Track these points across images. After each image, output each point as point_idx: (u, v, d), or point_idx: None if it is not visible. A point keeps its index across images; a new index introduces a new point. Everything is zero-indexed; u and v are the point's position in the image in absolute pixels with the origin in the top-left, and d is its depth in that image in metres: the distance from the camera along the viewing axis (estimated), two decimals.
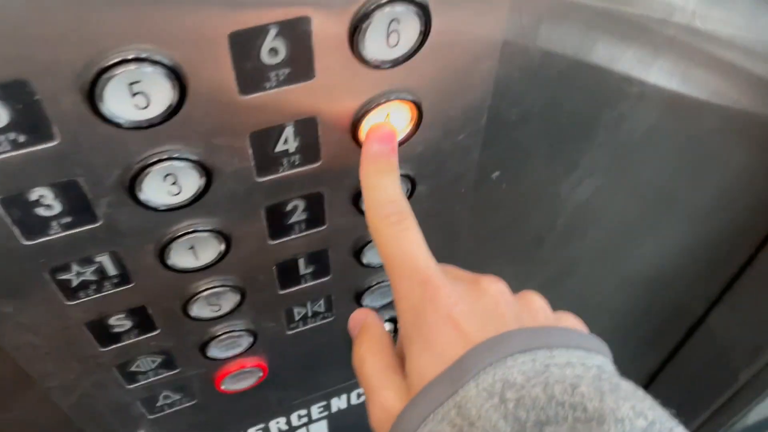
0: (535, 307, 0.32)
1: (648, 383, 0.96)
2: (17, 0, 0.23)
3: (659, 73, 0.42)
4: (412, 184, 0.40)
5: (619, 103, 0.43)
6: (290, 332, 0.49)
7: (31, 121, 0.27)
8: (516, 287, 0.59)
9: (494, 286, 0.32)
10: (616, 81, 0.41)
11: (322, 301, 0.48)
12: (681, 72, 0.42)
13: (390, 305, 0.51)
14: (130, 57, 0.26)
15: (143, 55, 0.26)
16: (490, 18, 0.32)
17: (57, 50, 0.25)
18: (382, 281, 0.48)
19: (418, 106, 0.35)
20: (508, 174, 0.45)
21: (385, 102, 0.34)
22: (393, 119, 0.35)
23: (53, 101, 0.27)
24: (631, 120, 0.45)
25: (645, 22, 0.38)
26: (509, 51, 0.35)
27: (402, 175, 0.39)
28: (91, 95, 0.27)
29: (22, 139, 0.27)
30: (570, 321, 0.33)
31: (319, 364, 0.56)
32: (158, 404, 0.50)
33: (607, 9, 0.36)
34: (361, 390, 0.62)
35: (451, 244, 0.48)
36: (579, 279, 0.62)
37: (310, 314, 0.48)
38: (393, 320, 0.53)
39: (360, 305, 0.49)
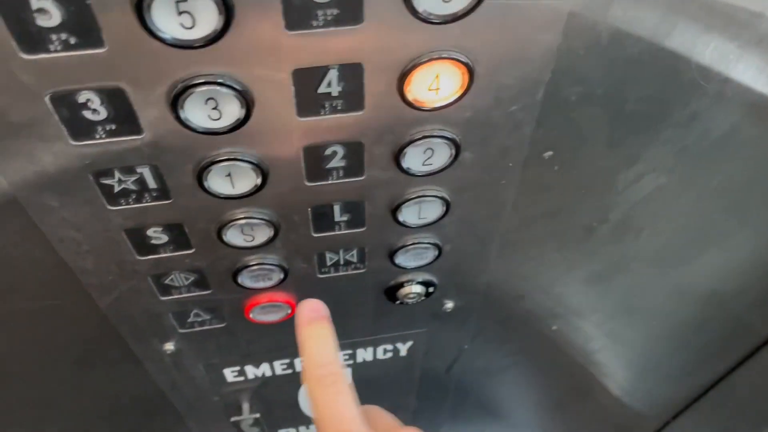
0: None
1: (694, 401, 0.91)
2: None
3: (745, 72, 0.38)
4: (456, 148, 0.39)
5: (693, 99, 0.40)
6: (321, 276, 0.50)
7: (82, 25, 0.28)
8: (561, 276, 0.58)
9: None
10: (693, 74, 0.38)
11: (354, 252, 0.48)
12: None
13: (423, 267, 0.51)
14: None
15: None
16: None
17: None
18: (419, 242, 0.48)
19: (470, 70, 0.34)
20: (562, 156, 0.43)
21: (436, 59, 0.33)
22: (443, 80, 0.34)
23: (103, 7, 0.27)
24: (706, 120, 0.42)
25: (736, 13, 0.35)
26: (576, 24, 0.33)
27: (447, 138, 0.38)
28: (139, 6, 0.27)
29: (73, 41, 0.29)
30: None
31: (348, 313, 0.57)
32: (189, 320, 0.52)
33: None
34: (387, 346, 0.62)
35: (494, 218, 0.47)
36: (628, 279, 0.60)
37: (342, 262, 0.49)
38: (425, 283, 0.53)
39: (394, 263, 0.49)
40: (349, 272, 0.50)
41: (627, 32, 0.35)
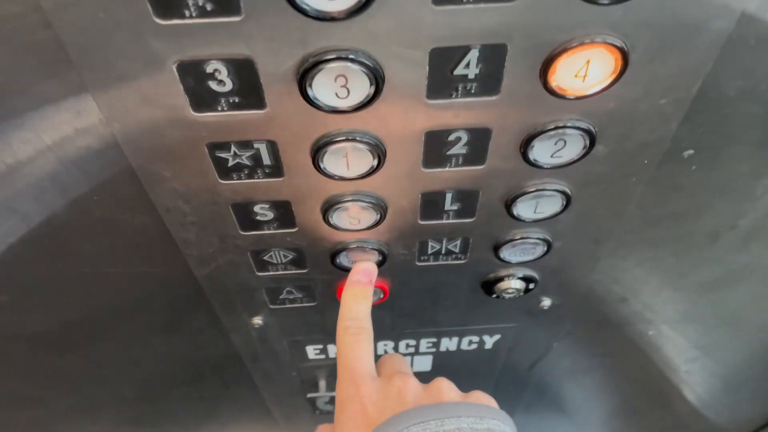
0: (441, 388, 0.38)
1: None
2: None
3: None
4: (590, 141, 0.35)
5: None
6: (419, 263, 0.48)
7: None
8: (674, 281, 0.54)
9: (401, 380, 0.38)
10: None
11: (458, 242, 0.45)
12: None
13: (525, 263, 0.48)
14: None
15: None
16: None
17: None
18: (527, 237, 0.45)
19: (625, 56, 0.30)
20: (703, 155, 0.39)
21: (589, 43, 0.30)
22: (593, 66, 0.31)
23: None
24: None
25: None
26: (749, 15, 0.29)
27: (583, 129, 0.35)
28: None
29: (210, 6, 0.27)
30: (476, 397, 0.38)
31: (439, 301, 0.54)
32: (281, 297, 0.51)
33: None
34: (472, 338, 0.60)
35: (615, 217, 0.43)
36: (743, 292, 0.55)
37: (443, 251, 0.46)
38: (525, 279, 0.50)
39: (497, 256, 0.47)
40: (449, 262, 0.48)
41: None
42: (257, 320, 0.55)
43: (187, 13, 0.27)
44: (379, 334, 0.60)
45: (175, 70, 0.30)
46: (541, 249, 0.46)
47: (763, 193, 0.43)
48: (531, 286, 0.51)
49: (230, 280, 0.48)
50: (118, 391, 0.68)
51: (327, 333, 0.59)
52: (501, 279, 0.50)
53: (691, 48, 0.31)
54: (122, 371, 0.64)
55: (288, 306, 0.53)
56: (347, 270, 0.47)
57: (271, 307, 0.53)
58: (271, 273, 0.48)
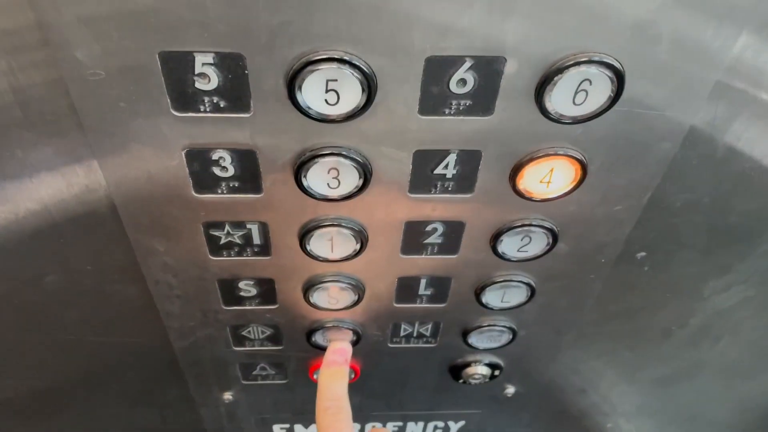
0: None
1: None
2: None
3: None
4: (553, 239, 0.39)
5: None
6: (391, 345, 0.50)
7: (236, 91, 0.30)
8: (630, 374, 0.57)
9: None
10: None
11: (430, 326, 0.48)
12: None
13: (492, 350, 0.51)
14: (335, 56, 0.28)
15: (346, 57, 0.28)
16: (687, 100, 0.31)
17: (276, 38, 0.28)
18: (495, 324, 0.48)
19: (584, 167, 0.34)
20: (655, 257, 0.43)
21: (553, 155, 0.34)
22: (556, 174, 0.35)
23: (258, 79, 0.29)
24: None
25: None
26: (693, 136, 0.34)
27: (546, 228, 0.38)
28: (292, 82, 0.29)
29: (223, 104, 0.30)
30: None
31: (408, 384, 0.56)
32: (253, 373, 0.53)
33: None
34: (438, 423, 0.61)
35: (576, 309, 0.47)
36: (694, 387, 0.58)
37: (415, 334, 0.49)
38: (491, 365, 0.53)
39: (466, 341, 0.49)
40: (420, 345, 0.50)
41: (741, 151, 0.35)
42: (228, 395, 0.55)
43: (202, 108, 0.30)
44: None
45: (183, 155, 0.33)
46: (507, 336, 0.49)
47: (710, 295, 0.47)
48: (496, 372, 0.53)
49: (207, 354, 0.50)
50: None
51: (295, 412, 0.60)
52: (468, 364, 0.52)
53: (641, 163, 0.35)
54: None
55: (260, 382, 0.54)
56: (322, 348, 0.49)
57: (244, 382, 0.54)
58: (248, 348, 0.49)
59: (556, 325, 0.48)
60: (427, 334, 0.49)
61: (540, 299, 0.45)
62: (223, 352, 0.50)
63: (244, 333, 0.48)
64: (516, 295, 0.44)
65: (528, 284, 0.43)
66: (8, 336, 0.46)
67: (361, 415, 0.61)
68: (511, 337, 0.49)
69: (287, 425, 0.62)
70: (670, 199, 0.38)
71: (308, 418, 0.61)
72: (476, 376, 0.53)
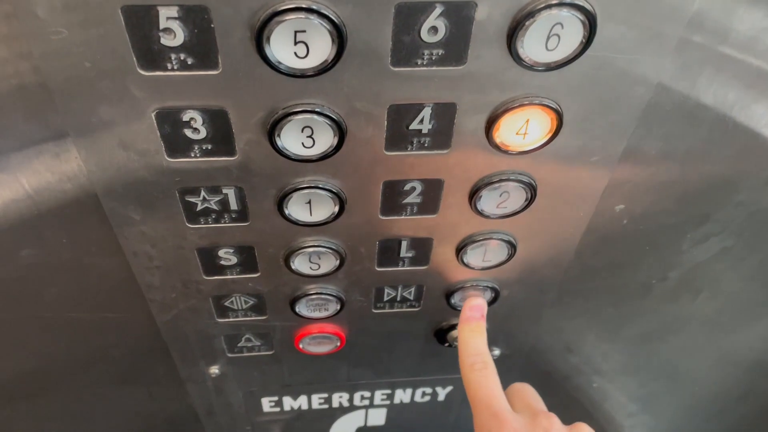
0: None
1: None
2: None
3: None
4: (531, 193, 0.39)
5: None
6: (375, 311, 0.50)
7: (202, 47, 0.29)
8: (614, 332, 0.57)
9: (547, 421, 0.41)
10: None
11: (413, 289, 0.48)
12: None
13: None
14: (302, 5, 0.28)
15: (314, 6, 0.28)
16: (659, 42, 0.31)
17: None
18: (477, 285, 0.48)
19: (560, 117, 0.34)
20: (633, 210, 0.43)
21: (528, 105, 0.34)
22: (532, 125, 0.35)
23: (225, 32, 0.29)
24: None
25: None
26: (666, 82, 0.34)
27: (524, 183, 0.38)
28: (260, 35, 0.28)
29: (190, 61, 0.30)
30: None
31: (394, 351, 0.56)
32: (239, 344, 0.52)
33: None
34: (426, 389, 0.62)
35: (556, 266, 0.47)
36: (677, 342, 0.59)
37: (398, 298, 0.49)
38: None
39: (449, 303, 0.49)
40: (404, 309, 0.50)
41: (708, 104, 0.35)
42: (214, 369, 0.55)
43: (169, 66, 0.30)
44: (333, 385, 0.61)
45: (153, 117, 0.32)
46: (489, 296, 0.49)
47: (688, 247, 0.47)
48: None
49: (190, 327, 0.49)
50: None
51: (282, 384, 0.60)
52: (453, 327, 0.53)
53: (616, 110, 0.35)
54: (71, 428, 0.63)
55: (246, 354, 0.54)
56: (305, 318, 0.49)
57: (229, 355, 0.54)
58: (231, 319, 0.49)
59: (538, 283, 0.48)
60: (411, 297, 0.49)
61: (521, 257, 0.45)
62: (207, 324, 0.49)
63: (227, 303, 0.47)
64: (497, 254, 0.45)
65: (508, 242, 0.43)
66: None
67: (347, 384, 0.61)
68: (493, 296, 0.49)
69: (276, 398, 0.62)
70: (645, 149, 0.38)
71: (296, 390, 0.61)
72: None
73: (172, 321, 0.48)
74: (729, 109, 0.36)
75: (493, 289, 0.48)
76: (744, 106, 0.36)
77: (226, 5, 0.28)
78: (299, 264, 0.43)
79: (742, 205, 0.43)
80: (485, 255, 0.45)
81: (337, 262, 0.43)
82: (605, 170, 0.39)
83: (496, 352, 0.57)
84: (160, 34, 0.29)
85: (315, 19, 0.28)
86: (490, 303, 0.50)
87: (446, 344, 0.54)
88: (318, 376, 0.59)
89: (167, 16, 0.28)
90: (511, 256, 0.45)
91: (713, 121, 0.37)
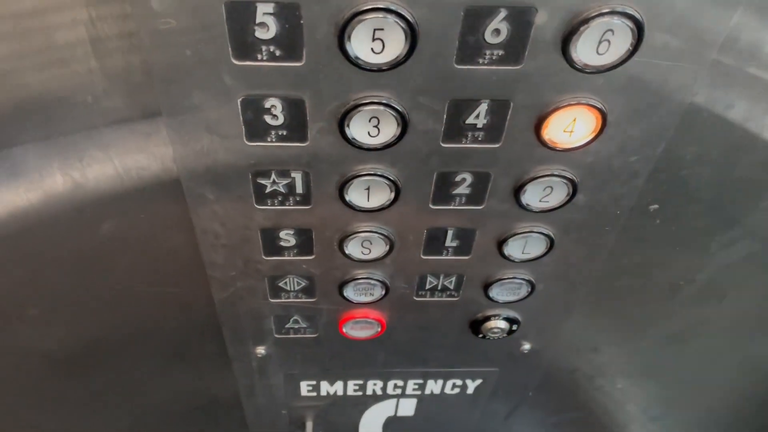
0: None
1: None
2: None
3: None
4: (573, 189, 0.42)
5: None
6: (417, 298, 0.53)
7: (290, 40, 0.33)
8: (640, 333, 0.60)
9: None
10: None
11: (454, 278, 0.51)
12: None
13: (512, 304, 0.54)
14: (382, 6, 0.31)
15: (392, 7, 0.31)
16: (699, 52, 0.34)
17: None
18: (515, 277, 0.51)
19: (605, 117, 0.38)
20: (665, 211, 0.46)
21: (576, 104, 0.37)
22: (578, 123, 0.38)
23: (312, 28, 0.32)
24: None
25: None
26: (701, 94, 0.37)
27: (567, 179, 0.41)
28: (343, 31, 0.32)
29: (279, 53, 0.33)
30: None
31: (430, 340, 0.59)
32: (286, 326, 0.56)
33: None
34: (456, 381, 0.65)
35: (591, 262, 0.50)
36: (702, 344, 0.61)
37: (439, 287, 0.52)
38: (510, 320, 0.56)
39: (486, 295, 0.52)
40: (443, 298, 0.53)
41: (746, 106, 0.38)
42: (260, 349, 0.59)
43: (259, 57, 0.34)
44: (370, 372, 0.64)
45: (239, 103, 0.36)
46: (526, 290, 0.52)
47: (717, 249, 0.50)
48: (514, 327, 0.57)
49: (245, 305, 0.53)
50: (112, 423, 0.69)
51: (322, 368, 0.63)
52: (488, 318, 0.56)
53: (656, 114, 0.38)
54: (120, 400, 0.67)
55: (291, 336, 0.57)
56: (351, 302, 0.53)
57: (276, 336, 0.57)
58: (283, 300, 0.52)
59: (572, 278, 0.51)
60: (451, 287, 0.52)
61: (558, 251, 0.48)
62: (260, 303, 0.53)
63: (280, 284, 0.51)
64: (536, 246, 0.48)
65: (547, 235, 0.46)
66: (62, 283, 0.49)
67: (383, 371, 0.64)
68: (529, 290, 0.52)
69: (314, 382, 0.65)
70: (681, 152, 0.41)
71: (334, 375, 0.64)
72: (495, 330, 0.56)
73: (229, 299, 0.52)
74: (757, 120, 0.39)
75: (529, 282, 0.51)
76: None
77: (315, 3, 0.31)
78: (352, 248, 0.47)
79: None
80: (525, 247, 0.48)
81: (387, 247, 0.47)
82: (642, 170, 0.42)
83: (527, 346, 0.60)
84: (255, 27, 0.32)
85: (392, 18, 0.32)
86: (526, 297, 0.53)
87: (480, 335, 0.57)
88: (356, 361, 0.62)
89: (264, 11, 0.32)
90: (549, 250, 0.48)
91: (743, 130, 0.40)
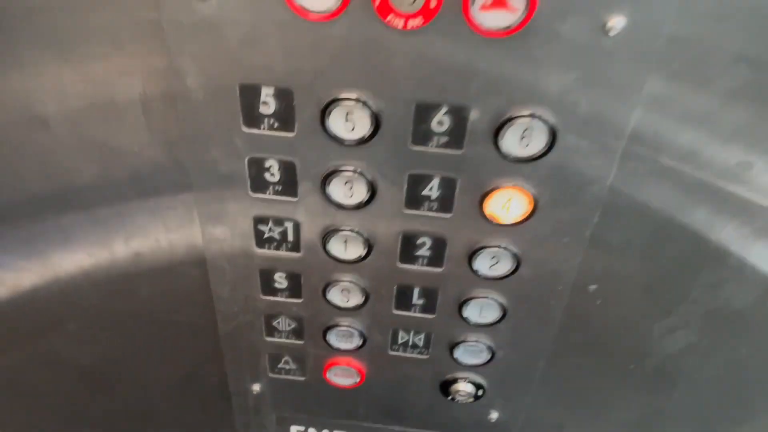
0: None
1: None
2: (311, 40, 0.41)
3: (759, 256, 0.48)
4: (516, 262, 0.50)
5: (718, 269, 0.49)
6: (391, 353, 0.61)
7: (286, 116, 0.44)
8: (599, 415, 0.64)
9: None
10: (714, 248, 0.48)
11: (422, 336, 0.59)
12: None
13: (478, 368, 0.60)
14: (353, 97, 0.42)
15: (362, 98, 0.42)
16: (605, 154, 0.43)
17: (315, 81, 0.42)
18: (476, 341, 0.58)
19: (535, 200, 0.46)
20: (605, 292, 0.53)
21: (510, 186, 0.46)
22: (513, 204, 0.47)
23: (301, 108, 0.43)
24: (730, 290, 0.50)
25: (745, 203, 0.45)
26: (616, 188, 0.46)
27: (510, 251, 0.50)
28: (324, 112, 0.43)
29: (276, 125, 0.45)
30: None
31: (406, 398, 0.66)
32: (279, 365, 0.64)
33: (708, 181, 0.45)
34: None
35: (542, 335, 0.56)
36: None
37: (410, 343, 0.59)
38: (476, 384, 0.62)
39: (452, 356, 0.59)
40: (414, 355, 0.61)
41: (662, 198, 0.46)
42: (256, 387, 0.67)
43: (262, 126, 0.45)
44: (354, 426, 0.70)
45: (246, 162, 0.47)
46: (486, 355, 0.59)
47: (659, 336, 0.56)
48: (480, 393, 0.63)
49: (244, 341, 0.62)
50: None
51: (310, 413, 0.70)
52: (455, 380, 0.62)
53: (579, 202, 0.46)
54: (130, 424, 0.75)
55: (283, 377, 0.65)
56: (334, 349, 0.60)
57: (270, 375, 0.65)
58: (276, 339, 0.61)
59: (527, 349, 0.58)
60: (420, 344, 0.59)
61: (511, 320, 0.55)
62: (257, 341, 0.61)
63: (274, 323, 0.60)
64: (491, 312, 0.55)
65: (501, 303, 0.54)
66: (97, 304, 0.60)
67: (360, 426, 0.70)
68: (490, 355, 0.59)
69: (302, 428, 0.72)
70: (608, 237, 0.49)
71: (321, 423, 0.71)
72: (462, 393, 0.62)
73: (232, 332, 0.61)
74: (674, 212, 0.47)
75: (489, 347, 0.58)
76: (688, 211, 0.47)
77: (304, 90, 0.43)
78: (333, 295, 0.55)
79: (697, 303, 0.52)
80: (481, 312, 0.55)
81: (363, 298, 0.55)
82: (575, 252, 0.50)
83: (494, 415, 0.66)
84: (260, 104, 0.44)
85: (360, 106, 0.42)
86: (488, 362, 0.59)
87: (449, 397, 0.63)
88: (340, 411, 0.69)
89: (266, 93, 0.43)
90: (503, 317, 0.55)
91: (662, 222, 0.47)
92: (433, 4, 0.37)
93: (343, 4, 0.38)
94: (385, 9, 0.38)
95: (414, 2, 0.37)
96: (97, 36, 0.42)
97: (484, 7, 0.37)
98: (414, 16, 0.38)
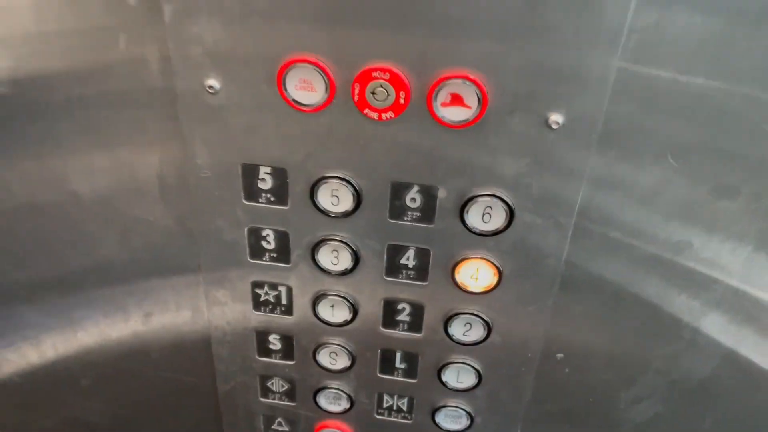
0: None
1: None
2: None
3: (711, 327, 0.52)
4: (488, 328, 0.55)
5: (673, 341, 0.53)
6: (378, 416, 0.64)
7: (280, 191, 0.51)
8: None
9: None
10: (668, 319, 0.52)
11: (405, 400, 0.63)
12: (734, 331, 0.52)
13: None
14: (338, 176, 0.49)
15: (346, 177, 0.49)
16: (557, 231, 0.49)
17: (305, 162, 0.49)
18: (456, 406, 0.61)
19: (500, 271, 0.52)
20: (573, 361, 0.57)
21: (477, 258, 0.51)
22: (481, 273, 0.52)
23: (294, 184, 0.50)
24: (689, 360, 0.54)
25: (693, 275, 0.50)
26: (572, 261, 0.51)
27: (482, 319, 0.54)
28: (313, 189, 0.50)
29: (273, 198, 0.51)
30: None
31: None
32: (272, 427, 0.68)
33: (657, 255, 0.50)
34: None
35: (516, 401, 0.60)
36: None
37: (394, 407, 0.63)
38: None
39: (434, 421, 0.63)
40: (399, 420, 0.64)
41: (607, 278, 0.51)
42: None
43: (260, 200, 0.52)
44: None
45: (245, 231, 0.54)
46: (466, 421, 0.62)
47: (626, 406, 0.59)
48: None
49: (241, 401, 0.66)
50: None
51: None
52: None
53: (538, 274, 0.51)
54: None
55: None
56: (324, 411, 0.65)
57: None
58: (270, 400, 0.65)
59: (504, 415, 0.61)
60: (404, 409, 0.63)
61: (487, 386, 0.59)
62: (253, 402, 0.66)
63: (269, 384, 0.64)
64: (468, 378, 0.59)
65: (476, 369, 0.58)
66: (110, 365, 0.66)
67: None
68: (469, 422, 0.62)
69: None
70: (571, 308, 0.54)
71: None
72: None
73: (230, 391, 0.65)
74: (628, 284, 0.52)
75: (468, 413, 0.62)
76: (641, 284, 0.51)
77: (297, 169, 0.50)
78: (322, 357, 0.60)
79: (661, 373, 0.56)
80: (459, 377, 0.59)
81: (349, 361, 0.60)
82: (540, 320, 0.54)
83: None
84: (258, 180, 0.51)
85: (345, 184, 0.49)
86: (467, 428, 0.63)
87: None
88: None
89: (264, 171, 0.50)
90: (478, 383, 0.59)
91: (619, 294, 0.52)
92: (402, 100, 0.44)
93: (329, 99, 0.45)
94: (362, 104, 0.45)
95: (386, 98, 0.45)
96: (123, 124, 0.50)
97: (444, 104, 0.44)
98: (386, 110, 0.45)
